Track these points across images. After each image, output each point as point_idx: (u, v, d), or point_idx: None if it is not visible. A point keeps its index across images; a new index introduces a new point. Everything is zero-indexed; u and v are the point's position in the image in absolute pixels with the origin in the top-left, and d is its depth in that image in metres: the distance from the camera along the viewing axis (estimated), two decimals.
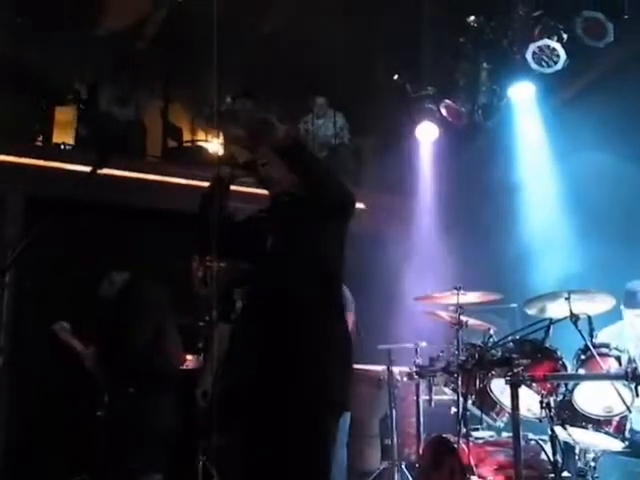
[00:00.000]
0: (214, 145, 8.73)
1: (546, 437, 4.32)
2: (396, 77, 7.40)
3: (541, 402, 4.14)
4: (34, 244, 3.32)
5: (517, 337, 4.25)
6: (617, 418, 4.17)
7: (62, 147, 7.56)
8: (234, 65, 7.82)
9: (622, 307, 5.00)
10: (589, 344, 4.15)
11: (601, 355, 4.15)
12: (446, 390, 4.91)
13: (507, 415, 4.54)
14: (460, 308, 4.88)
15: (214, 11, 3.74)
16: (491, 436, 4.70)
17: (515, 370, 3.77)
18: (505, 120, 7.04)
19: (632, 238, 5.98)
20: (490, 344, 4.50)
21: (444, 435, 4.59)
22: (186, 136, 9.09)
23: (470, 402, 4.57)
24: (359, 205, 8.18)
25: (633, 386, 3.96)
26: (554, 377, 4.20)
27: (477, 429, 4.73)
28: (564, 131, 6.63)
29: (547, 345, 4.31)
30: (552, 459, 4.18)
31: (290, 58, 8.24)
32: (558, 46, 5.98)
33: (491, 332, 4.77)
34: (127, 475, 5.63)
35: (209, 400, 4.68)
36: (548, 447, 4.28)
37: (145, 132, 8.07)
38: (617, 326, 5.12)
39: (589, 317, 4.23)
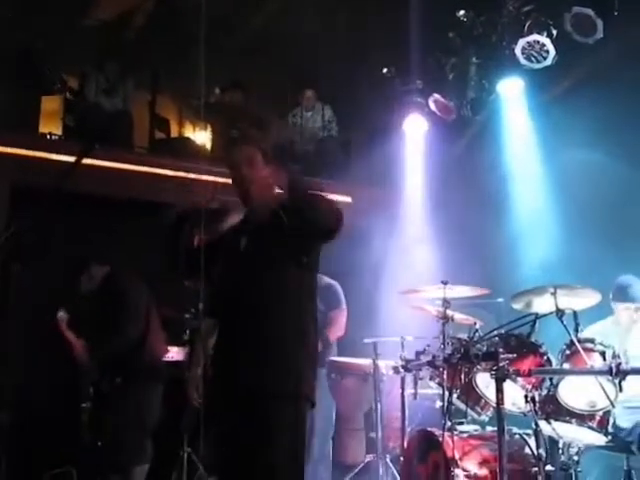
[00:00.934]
0: (202, 137, 8.71)
1: (530, 431, 4.35)
2: (385, 70, 7.39)
3: (526, 396, 4.16)
4: (19, 234, 3.31)
5: (503, 331, 4.25)
6: (600, 413, 4.19)
7: (49, 137, 7.51)
8: (223, 57, 7.80)
9: (612, 300, 5.04)
10: (574, 339, 4.17)
11: (586, 350, 4.17)
12: (431, 384, 4.92)
13: (492, 409, 4.56)
14: (446, 302, 4.88)
15: (203, 2, 3.73)
16: (476, 430, 4.72)
17: (500, 364, 3.77)
18: (494, 115, 7.05)
19: (618, 235, 6.01)
20: (476, 338, 4.51)
21: (429, 429, 4.60)
22: (174, 128, 9.06)
23: (455, 396, 4.58)
24: (346, 198, 8.25)
25: (617, 381, 3.98)
26: (539, 371, 4.22)
27: (462, 423, 4.74)
28: (552, 127, 6.64)
29: (533, 340, 4.33)
30: (536, 453, 4.21)
31: (279, 51, 8.22)
32: (547, 42, 5.99)
33: (477, 326, 4.79)
34: (113, 466, 5.63)
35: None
36: (532, 441, 4.30)
37: (132, 123, 8.01)
38: (604, 323, 5.15)
39: (574, 312, 4.24)
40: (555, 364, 4.29)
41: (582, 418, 4.20)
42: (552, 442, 4.47)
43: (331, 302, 5.26)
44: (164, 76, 8.56)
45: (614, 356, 4.13)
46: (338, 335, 5.44)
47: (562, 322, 4.25)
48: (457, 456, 4.23)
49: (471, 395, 4.58)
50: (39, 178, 6.41)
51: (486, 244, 6.80)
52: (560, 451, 4.44)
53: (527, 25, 6.07)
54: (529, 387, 4.19)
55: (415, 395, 5.06)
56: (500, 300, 5.19)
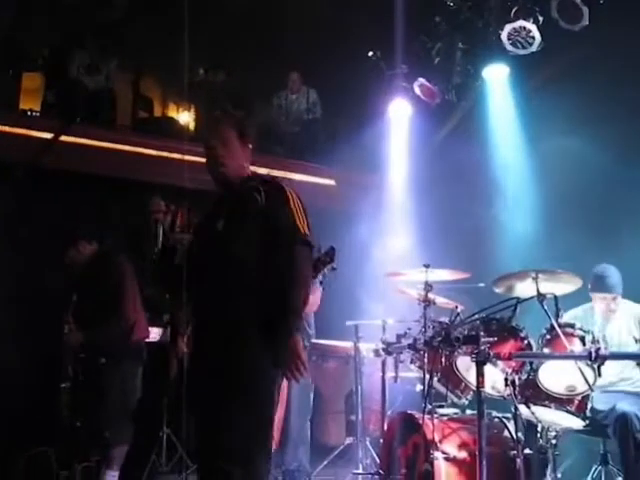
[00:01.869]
0: (185, 117, 8.66)
1: (509, 415, 4.38)
2: (370, 54, 7.36)
3: (506, 380, 4.18)
4: None
5: (484, 315, 4.27)
6: (579, 397, 4.23)
7: (29, 113, 7.43)
8: (208, 37, 7.74)
9: (589, 290, 5.08)
10: (555, 323, 4.19)
11: (566, 335, 4.20)
12: (412, 367, 4.93)
13: (472, 393, 4.58)
14: (428, 285, 4.89)
15: None
16: (455, 413, 4.73)
17: (481, 348, 3.78)
18: (478, 101, 7.05)
19: (599, 222, 6.05)
20: (457, 322, 4.52)
21: (409, 411, 4.62)
22: (157, 108, 8.99)
23: (435, 379, 4.59)
24: (330, 182, 8.23)
25: (596, 366, 4.01)
26: (519, 355, 4.24)
27: (442, 406, 4.76)
28: (536, 114, 6.65)
29: (513, 324, 4.36)
30: (514, 436, 4.24)
31: (265, 33, 8.17)
32: (534, 28, 5.99)
33: (458, 310, 4.81)
34: (92, 447, 5.61)
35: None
36: (511, 425, 4.33)
37: (115, 102, 7.95)
38: (585, 307, 5.19)
39: (555, 297, 4.27)
40: (535, 348, 4.32)
41: (561, 402, 4.24)
42: (531, 426, 4.51)
43: None
44: (148, 56, 8.49)
45: (593, 341, 4.16)
46: (312, 309, 5.45)
47: (543, 307, 4.28)
48: (437, 439, 4.24)
49: (451, 378, 4.60)
50: (19, 155, 6.35)
51: (468, 229, 6.81)
52: (538, 435, 4.47)
53: (513, 11, 6.07)
54: (509, 371, 4.21)
55: (396, 378, 5.08)
56: (481, 285, 5.19)
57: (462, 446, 4.30)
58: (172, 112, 9.14)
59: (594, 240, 5.77)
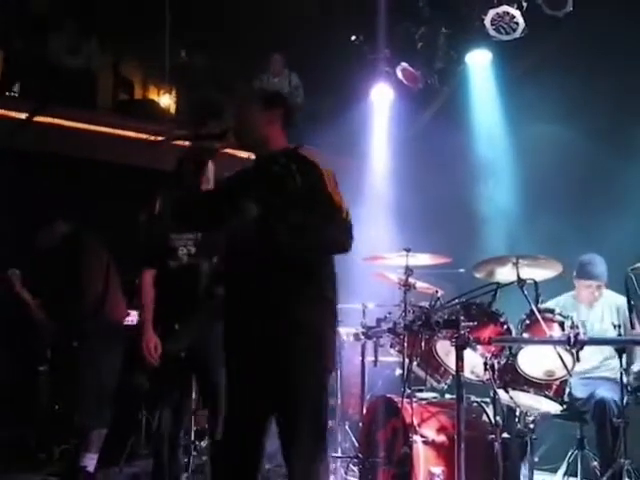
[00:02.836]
0: (166, 100, 8.59)
1: (488, 399, 4.40)
2: (353, 38, 7.33)
3: (485, 364, 4.20)
4: None
5: (464, 300, 4.27)
6: (557, 382, 4.26)
7: (8, 94, 7.33)
8: (189, 19, 7.68)
9: (574, 277, 5.11)
10: (534, 309, 4.21)
11: (545, 320, 4.21)
12: (392, 351, 4.94)
13: (451, 377, 4.60)
14: (409, 270, 4.89)
15: None
16: (434, 397, 4.75)
17: (461, 332, 3.79)
18: (461, 86, 7.04)
19: (581, 210, 6.07)
20: (437, 306, 4.53)
21: (388, 395, 4.62)
22: (138, 90, 8.91)
23: (415, 363, 4.60)
24: None
25: (574, 351, 4.03)
26: (499, 340, 4.26)
27: (421, 390, 4.78)
28: (518, 100, 6.65)
29: (493, 309, 4.37)
30: (493, 421, 4.27)
31: (247, 15, 8.11)
32: (517, 13, 5.99)
33: (438, 295, 4.81)
34: (71, 430, 5.59)
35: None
36: (490, 409, 4.36)
37: (95, 83, 7.87)
38: (566, 296, 5.23)
39: (535, 282, 4.28)
40: (515, 333, 4.34)
41: (539, 387, 4.27)
42: (509, 410, 4.54)
43: None
44: (129, 38, 8.40)
45: (573, 326, 4.18)
46: None
47: (523, 292, 4.29)
48: (415, 422, 4.25)
49: (431, 363, 4.61)
50: None
51: (450, 214, 6.82)
52: (517, 419, 4.51)
53: None
54: (489, 355, 4.23)
55: (375, 362, 5.08)
56: (462, 270, 5.20)
57: (441, 430, 4.32)
58: (153, 95, 9.06)
59: (575, 226, 5.80)
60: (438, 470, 4.14)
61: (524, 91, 6.49)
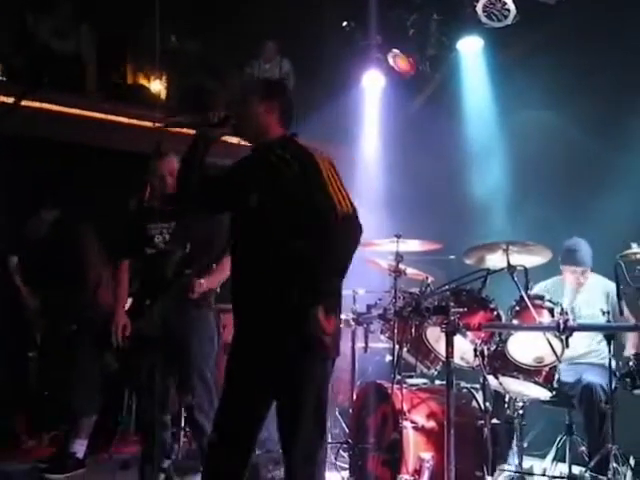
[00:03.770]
0: (156, 84, 8.53)
1: (478, 386, 4.42)
2: (345, 24, 7.30)
3: (475, 351, 4.21)
4: None
5: (454, 286, 4.28)
6: (547, 368, 4.28)
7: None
8: (180, 4, 7.62)
9: (560, 263, 5.13)
10: (524, 295, 4.22)
11: (535, 307, 4.23)
12: (382, 337, 4.94)
13: (441, 363, 4.62)
14: (399, 256, 4.89)
15: None
16: (424, 383, 4.77)
17: (451, 318, 3.80)
18: (452, 73, 7.03)
19: (571, 196, 6.09)
20: (427, 292, 4.54)
21: (378, 381, 4.64)
22: (128, 74, 8.85)
23: (405, 350, 4.62)
24: None
25: (564, 337, 4.05)
26: (489, 326, 4.27)
27: (411, 376, 4.80)
28: (509, 87, 6.65)
29: (483, 295, 4.38)
30: (482, 407, 4.29)
31: (239, 1, 8.07)
32: (509, 0, 5.98)
33: (428, 281, 4.82)
34: (62, 416, 5.59)
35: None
36: (479, 395, 4.38)
37: (85, 68, 7.81)
38: (554, 280, 5.24)
39: (525, 269, 4.29)
40: (505, 320, 4.35)
41: (529, 373, 4.29)
42: (498, 396, 4.57)
43: None
44: (119, 21, 8.33)
45: (562, 313, 4.20)
46: None
47: (513, 278, 4.31)
48: (405, 408, 4.27)
49: (421, 349, 4.62)
50: None
51: (440, 201, 6.83)
52: (506, 405, 4.53)
53: None
54: (478, 342, 4.25)
55: (365, 348, 5.09)
56: (452, 257, 5.21)
57: (430, 416, 4.34)
58: (143, 80, 8.99)
59: (565, 213, 5.82)
60: (428, 455, 4.16)
61: (515, 78, 6.49)
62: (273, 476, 5.05)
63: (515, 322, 4.30)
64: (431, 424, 4.29)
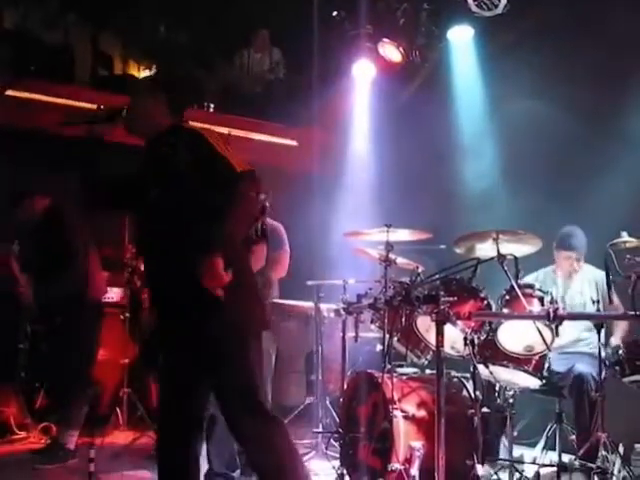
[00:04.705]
0: (146, 75, 8.50)
1: (468, 375, 4.42)
2: (335, 14, 7.27)
3: (465, 340, 4.21)
4: None
5: (444, 275, 4.27)
6: (537, 357, 4.29)
7: None
8: None
9: (554, 249, 5.14)
10: (514, 284, 4.22)
11: (525, 295, 4.23)
12: (372, 327, 4.94)
13: (431, 352, 4.61)
14: (389, 245, 4.88)
15: None
16: (415, 373, 4.76)
17: (441, 307, 3.78)
18: (443, 62, 7.02)
19: (561, 185, 6.10)
20: (417, 282, 4.53)
21: (369, 371, 4.63)
22: (117, 65, 8.80)
23: (395, 339, 4.61)
24: (291, 142, 8.17)
25: (554, 326, 4.06)
26: (479, 315, 4.27)
27: (401, 366, 4.79)
28: (500, 76, 6.65)
29: (473, 284, 4.38)
30: (473, 396, 4.28)
31: None
32: None
33: (419, 270, 4.82)
34: (53, 407, 5.58)
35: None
36: (470, 384, 4.37)
37: (73, 58, 7.77)
38: (546, 271, 5.26)
39: (515, 258, 4.29)
40: (495, 309, 4.36)
41: (519, 362, 4.30)
42: (489, 385, 4.58)
43: (274, 243, 5.24)
44: (108, 12, 8.28)
45: (552, 301, 4.20)
46: (280, 275, 5.42)
47: (503, 267, 4.30)
48: (396, 397, 4.27)
49: (411, 338, 4.62)
50: None
51: (431, 190, 6.82)
52: (496, 394, 4.55)
53: None
54: (468, 331, 4.23)
55: (356, 338, 5.08)
56: (442, 247, 5.20)
57: (421, 405, 4.34)
58: (133, 70, 8.95)
59: (555, 202, 5.83)
60: (418, 444, 4.16)
61: (505, 67, 6.48)
62: None
63: (505, 311, 4.30)
64: (421, 413, 4.29)
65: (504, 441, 4.51)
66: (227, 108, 8.03)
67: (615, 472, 4.20)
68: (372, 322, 4.88)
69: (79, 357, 5.33)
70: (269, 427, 3.23)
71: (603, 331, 4.36)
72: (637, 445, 4.58)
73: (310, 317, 5.69)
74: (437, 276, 4.12)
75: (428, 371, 4.74)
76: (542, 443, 4.88)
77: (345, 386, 4.89)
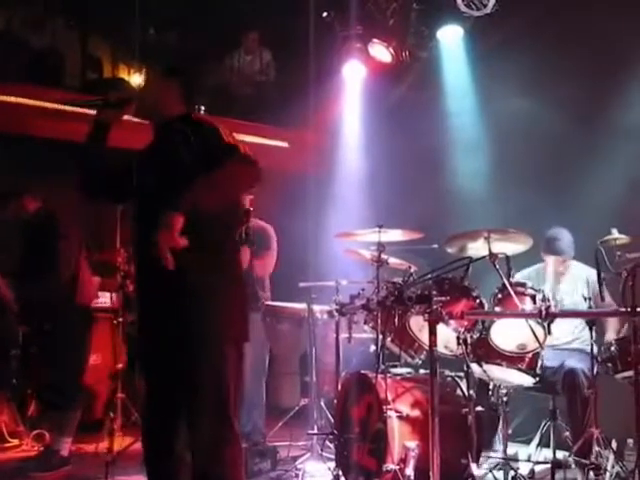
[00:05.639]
0: (136, 78, 8.47)
1: (462, 374, 4.42)
2: (324, 15, 7.27)
3: (458, 339, 4.22)
4: None
5: (436, 275, 4.27)
6: (530, 355, 4.30)
7: None
8: None
9: (541, 252, 5.15)
10: (506, 282, 4.23)
11: (517, 294, 4.25)
12: (366, 328, 4.94)
13: (425, 352, 4.62)
14: (381, 246, 4.88)
15: None
16: (409, 373, 4.76)
17: (434, 307, 3.79)
18: (432, 62, 7.02)
19: (551, 184, 6.11)
20: (410, 282, 4.53)
21: (362, 371, 4.63)
22: (107, 68, 8.78)
23: (389, 339, 4.62)
24: (282, 143, 8.16)
25: (546, 324, 4.07)
26: (472, 313, 4.28)
27: (395, 366, 4.79)
28: (490, 76, 6.66)
29: (466, 283, 4.39)
30: (467, 394, 4.29)
31: None
32: None
33: (411, 270, 4.82)
34: (46, 413, 5.55)
35: None
36: (463, 383, 4.38)
37: (62, 61, 7.74)
38: (537, 268, 5.26)
39: (507, 257, 4.30)
40: (487, 307, 4.36)
41: (512, 360, 4.31)
42: (482, 384, 4.58)
43: (261, 243, 5.27)
44: (96, 14, 8.26)
45: (544, 299, 4.21)
46: (262, 273, 5.45)
47: (495, 266, 4.32)
48: (390, 398, 4.26)
49: (405, 338, 4.63)
50: None
51: (422, 190, 6.82)
52: (490, 392, 4.55)
53: None
54: (461, 330, 4.25)
55: (349, 339, 5.08)
56: (434, 246, 5.21)
57: (415, 404, 4.34)
58: (123, 73, 8.93)
59: (546, 200, 5.84)
60: (413, 444, 4.16)
61: (495, 66, 6.49)
62: (260, 468, 5.06)
63: (498, 309, 4.31)
64: (416, 413, 4.29)
65: (499, 439, 4.51)
66: (218, 110, 8.01)
67: (609, 467, 4.21)
68: (365, 323, 4.89)
69: (69, 363, 5.30)
70: (226, 441, 3.12)
71: (595, 328, 4.37)
72: (630, 440, 4.59)
73: (303, 319, 5.68)
74: (429, 276, 4.12)
75: (422, 371, 4.74)
76: (536, 440, 4.90)
77: (339, 387, 4.88)
